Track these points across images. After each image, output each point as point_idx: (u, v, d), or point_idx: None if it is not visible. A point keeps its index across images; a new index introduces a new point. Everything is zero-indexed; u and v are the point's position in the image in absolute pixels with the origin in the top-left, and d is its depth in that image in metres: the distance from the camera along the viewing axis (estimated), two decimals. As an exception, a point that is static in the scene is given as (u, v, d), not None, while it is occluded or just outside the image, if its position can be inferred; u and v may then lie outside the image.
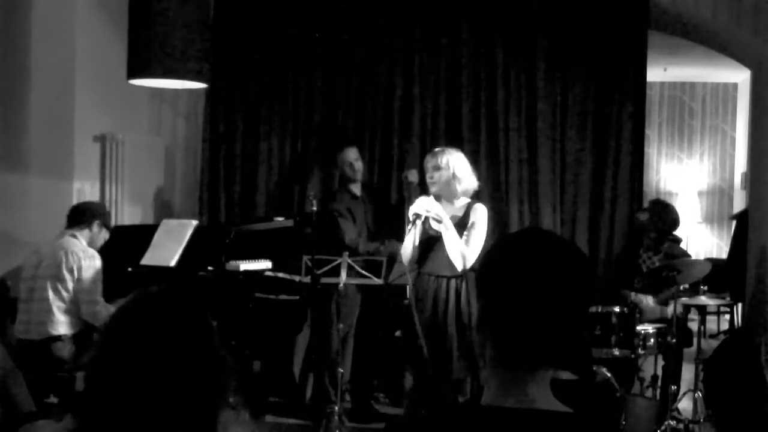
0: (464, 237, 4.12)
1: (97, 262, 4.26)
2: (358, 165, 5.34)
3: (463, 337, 4.07)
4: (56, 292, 4.18)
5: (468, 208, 4.20)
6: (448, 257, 4.10)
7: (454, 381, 4.13)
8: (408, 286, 5.08)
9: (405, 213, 5.27)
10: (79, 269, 4.18)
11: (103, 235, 4.46)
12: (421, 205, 4.09)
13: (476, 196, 4.44)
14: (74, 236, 4.29)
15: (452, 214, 4.20)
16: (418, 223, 4.10)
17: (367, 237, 5.30)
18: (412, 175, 5.29)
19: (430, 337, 4.11)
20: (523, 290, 1.31)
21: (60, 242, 4.27)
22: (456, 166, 4.18)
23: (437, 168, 4.17)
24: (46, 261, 4.23)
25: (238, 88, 6.14)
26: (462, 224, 4.15)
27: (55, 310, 4.17)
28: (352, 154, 5.34)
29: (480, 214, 4.18)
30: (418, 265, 4.25)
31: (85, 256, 4.21)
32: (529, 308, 1.30)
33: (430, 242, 4.15)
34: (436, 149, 4.41)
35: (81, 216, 4.34)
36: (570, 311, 1.32)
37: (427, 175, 4.23)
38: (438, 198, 4.22)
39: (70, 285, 4.18)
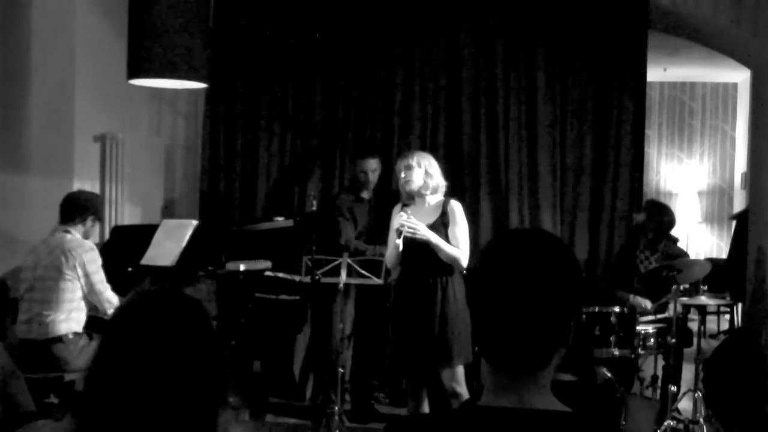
0: (452, 238, 4.16)
1: (96, 254, 4.30)
2: (374, 177, 5.31)
3: (445, 331, 4.09)
4: (57, 291, 4.17)
5: (445, 206, 4.25)
6: (431, 258, 4.14)
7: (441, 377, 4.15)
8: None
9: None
10: (83, 265, 4.20)
11: (96, 227, 4.50)
12: (402, 223, 4.13)
13: (457, 193, 4.51)
14: (68, 231, 4.29)
15: (431, 214, 4.24)
16: (403, 235, 4.17)
17: (366, 239, 5.29)
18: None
19: (413, 332, 4.15)
20: (508, 292, 1.31)
21: (55, 239, 4.26)
22: (427, 165, 4.26)
23: (410, 167, 4.24)
24: (43, 261, 4.23)
25: (238, 88, 6.14)
26: (444, 222, 4.20)
27: (55, 310, 4.16)
28: (372, 164, 5.31)
29: (458, 211, 4.26)
30: (402, 267, 4.27)
31: (84, 251, 4.22)
32: (513, 310, 1.30)
33: (415, 244, 4.17)
34: (404, 152, 4.53)
35: (74, 212, 4.33)
36: (558, 313, 1.32)
37: (401, 177, 4.28)
38: (412, 198, 4.26)
39: (73, 283, 4.19)
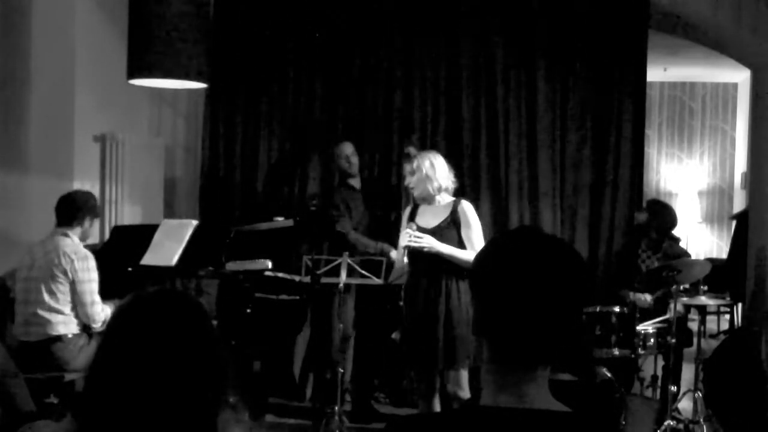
0: (466, 240, 4.14)
1: (91, 263, 4.22)
2: (354, 159, 5.42)
3: (450, 333, 4.07)
4: (51, 293, 4.15)
5: (455, 207, 4.22)
6: (437, 260, 4.11)
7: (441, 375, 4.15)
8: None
9: (402, 194, 5.33)
10: (74, 272, 4.15)
11: (95, 225, 4.47)
12: (409, 241, 4.12)
13: (460, 193, 4.49)
14: (66, 235, 4.24)
15: (439, 214, 4.22)
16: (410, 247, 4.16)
17: (365, 229, 5.31)
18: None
19: (421, 334, 4.13)
20: (515, 290, 1.31)
21: (52, 242, 4.23)
22: (427, 168, 4.20)
23: (412, 172, 4.24)
24: (38, 262, 4.20)
25: (238, 88, 6.14)
26: (455, 221, 4.17)
27: (51, 311, 4.14)
28: (348, 149, 5.43)
29: (469, 212, 4.22)
30: (411, 265, 4.26)
31: (77, 258, 4.17)
32: (521, 308, 1.30)
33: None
34: (412, 155, 4.51)
35: (72, 214, 4.28)
36: (563, 310, 1.32)
37: (406, 182, 4.29)
38: (422, 201, 4.26)
39: (65, 286, 4.16)
